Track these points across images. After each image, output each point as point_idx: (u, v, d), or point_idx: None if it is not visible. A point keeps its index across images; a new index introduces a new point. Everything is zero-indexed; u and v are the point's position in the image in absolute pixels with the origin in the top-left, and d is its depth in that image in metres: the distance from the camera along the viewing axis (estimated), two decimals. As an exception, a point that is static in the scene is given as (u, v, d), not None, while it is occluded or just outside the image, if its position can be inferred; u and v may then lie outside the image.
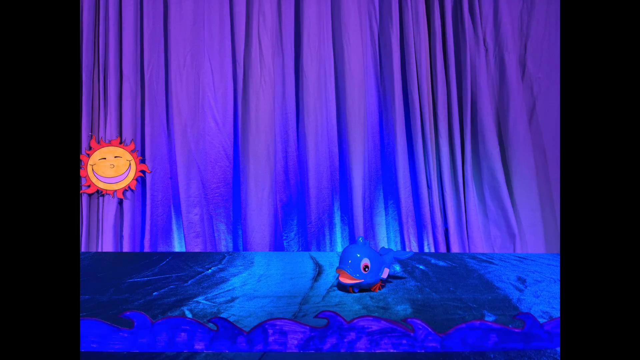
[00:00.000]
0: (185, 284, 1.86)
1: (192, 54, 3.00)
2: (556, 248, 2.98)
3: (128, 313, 1.19)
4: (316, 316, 1.17)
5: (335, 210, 3.04)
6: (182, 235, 2.97)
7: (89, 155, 2.90)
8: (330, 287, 1.82)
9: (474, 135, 3.05)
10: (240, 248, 3.00)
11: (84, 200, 2.91)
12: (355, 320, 1.15)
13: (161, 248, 2.97)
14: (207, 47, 3.01)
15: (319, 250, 2.98)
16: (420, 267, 2.19)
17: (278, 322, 1.16)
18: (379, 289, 1.73)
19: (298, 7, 3.07)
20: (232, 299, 1.64)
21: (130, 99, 2.96)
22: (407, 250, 2.97)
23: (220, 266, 2.24)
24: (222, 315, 1.44)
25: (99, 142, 2.92)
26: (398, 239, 3.03)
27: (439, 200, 3.03)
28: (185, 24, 3.00)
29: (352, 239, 2.98)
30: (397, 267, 2.18)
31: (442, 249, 2.94)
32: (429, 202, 3.01)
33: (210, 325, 1.17)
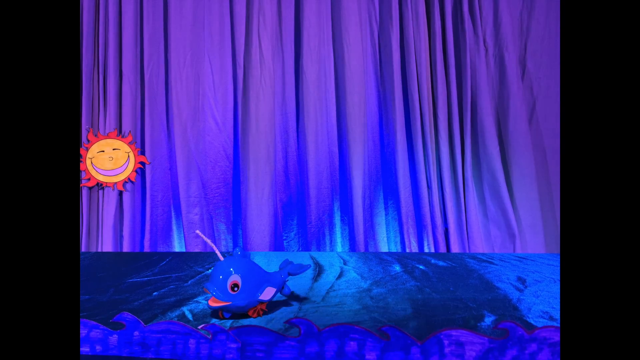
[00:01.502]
0: (185, 284, 1.86)
1: (192, 54, 3.00)
2: (556, 248, 2.98)
3: (294, 320, 1.11)
4: (495, 327, 1.11)
5: (335, 210, 3.04)
6: (182, 235, 2.97)
7: (87, 149, 2.90)
8: (330, 287, 1.82)
9: (474, 135, 3.05)
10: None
11: (84, 200, 2.92)
12: (537, 331, 1.08)
13: (161, 248, 2.97)
14: (207, 47, 3.01)
15: (319, 250, 2.98)
16: (420, 267, 2.19)
17: (454, 333, 1.09)
18: (259, 314, 1.41)
19: (298, 7, 3.07)
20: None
21: (130, 99, 2.96)
22: (408, 250, 2.97)
23: (220, 266, 2.23)
24: (222, 316, 1.44)
25: (96, 135, 2.92)
26: (398, 239, 3.03)
27: (439, 200, 3.03)
28: (185, 24, 3.00)
29: (352, 239, 2.98)
30: (397, 267, 2.18)
31: (442, 249, 2.94)
32: (429, 202, 3.01)
33: (381, 334, 1.10)
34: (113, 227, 2.91)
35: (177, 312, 1.48)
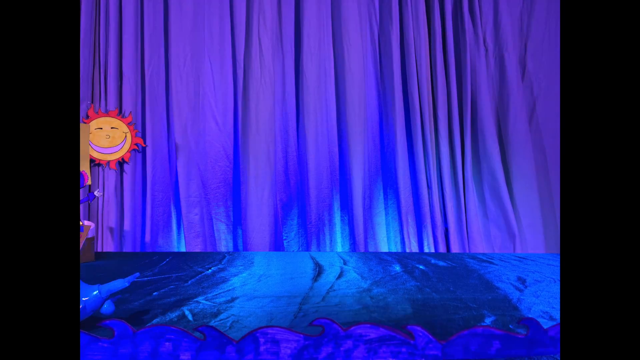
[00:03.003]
0: (185, 284, 1.86)
1: (192, 54, 3.00)
2: (556, 248, 2.98)
3: (108, 322, 1.11)
4: (310, 324, 1.10)
5: (336, 210, 3.04)
6: (182, 235, 2.97)
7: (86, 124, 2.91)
8: (330, 287, 1.82)
9: (474, 135, 3.05)
10: (240, 248, 3.00)
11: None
12: (352, 328, 1.09)
13: (161, 248, 2.97)
14: (207, 47, 3.01)
15: (319, 250, 2.98)
16: (420, 267, 2.19)
17: (270, 331, 1.08)
18: None
19: (298, 7, 3.07)
20: (232, 299, 1.64)
21: (130, 98, 2.96)
22: (408, 250, 2.97)
23: (220, 266, 2.24)
24: (222, 316, 1.44)
25: (96, 112, 2.92)
26: (398, 239, 3.03)
27: (439, 200, 3.03)
28: (186, 24, 3.00)
29: (353, 238, 2.98)
30: (397, 267, 2.18)
31: (442, 249, 2.94)
32: (429, 202, 3.01)
33: (197, 334, 1.10)
34: (113, 227, 2.91)
35: (176, 312, 1.48)
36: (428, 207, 2.99)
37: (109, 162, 2.90)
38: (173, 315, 1.46)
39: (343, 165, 3.07)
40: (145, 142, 2.96)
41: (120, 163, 2.93)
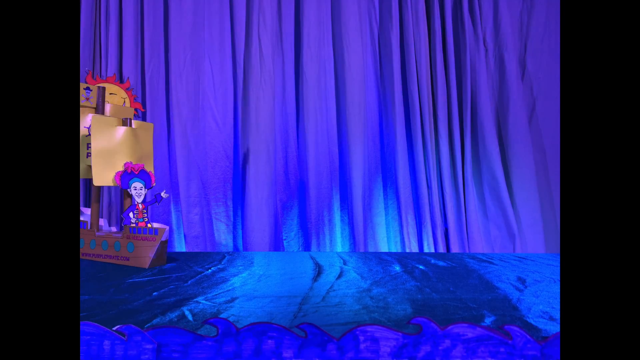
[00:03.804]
0: (185, 284, 1.86)
1: (192, 54, 3.01)
2: (556, 248, 2.98)
3: (212, 319, 1.13)
4: (408, 322, 1.12)
5: (335, 210, 3.04)
6: (182, 235, 2.97)
7: None
8: (330, 287, 1.82)
9: (474, 135, 3.05)
10: (240, 248, 3.00)
11: (83, 199, 2.91)
12: (450, 327, 1.10)
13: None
14: (207, 47, 3.01)
15: (319, 250, 2.98)
16: (420, 267, 2.19)
17: (369, 329, 1.10)
18: None
19: (298, 7, 3.07)
20: (232, 299, 1.64)
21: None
22: (408, 250, 2.97)
23: (220, 266, 2.24)
24: (221, 316, 1.44)
25: (94, 79, 2.92)
26: (398, 239, 3.03)
27: (439, 200, 3.03)
28: (185, 24, 3.00)
29: (353, 238, 2.98)
30: (397, 267, 2.18)
31: (442, 249, 2.95)
32: (429, 202, 3.01)
33: (298, 331, 1.12)
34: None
35: (176, 313, 1.48)
36: (428, 207, 2.99)
37: None
38: (173, 315, 1.46)
39: (343, 165, 3.07)
40: (144, 107, 2.96)
41: None
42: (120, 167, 2.33)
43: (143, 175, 2.35)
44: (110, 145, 2.34)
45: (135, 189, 2.31)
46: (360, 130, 3.01)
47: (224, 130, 3.02)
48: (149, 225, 2.26)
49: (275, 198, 3.00)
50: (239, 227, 3.02)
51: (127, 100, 2.84)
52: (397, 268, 2.16)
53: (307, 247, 3.01)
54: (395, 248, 3.03)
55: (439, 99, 3.01)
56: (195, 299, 1.64)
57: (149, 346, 1.11)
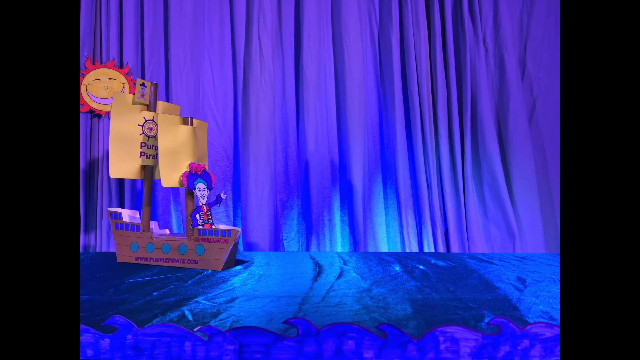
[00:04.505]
0: (185, 284, 1.86)
1: (192, 54, 3.01)
2: (556, 248, 2.98)
3: (292, 320, 1.13)
4: (488, 323, 1.13)
5: (335, 210, 3.04)
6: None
7: (83, 76, 2.91)
8: (330, 287, 1.82)
9: (474, 135, 3.05)
10: (240, 248, 3.00)
11: (82, 200, 2.91)
12: (528, 327, 1.11)
13: (161, 248, 2.97)
14: (207, 47, 3.01)
15: (319, 250, 2.98)
16: (420, 267, 2.19)
17: (449, 329, 1.11)
18: None
19: (298, 7, 3.07)
20: (232, 299, 1.64)
21: (130, 99, 2.97)
22: (408, 250, 2.97)
23: (220, 266, 2.24)
24: (221, 316, 1.44)
25: (94, 64, 2.93)
26: (398, 239, 3.03)
27: (439, 200, 3.03)
28: (185, 24, 3.00)
29: (353, 238, 2.98)
30: (397, 267, 2.18)
31: (442, 249, 2.95)
32: (429, 202, 3.01)
33: (378, 332, 1.12)
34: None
35: (176, 313, 1.48)
36: (428, 207, 2.99)
37: (108, 112, 2.91)
38: (173, 315, 1.46)
39: (343, 165, 3.07)
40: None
41: None
42: (183, 168, 2.24)
43: (205, 175, 2.27)
44: (175, 145, 2.23)
45: (200, 190, 2.23)
46: (360, 130, 3.01)
47: (224, 130, 3.02)
48: (213, 227, 2.17)
49: (275, 198, 3.00)
50: (239, 227, 3.02)
51: (127, 85, 2.84)
52: (397, 268, 2.16)
53: (307, 247, 3.01)
54: (395, 248, 3.03)
55: (439, 99, 3.01)
56: (195, 299, 1.64)
57: (230, 347, 1.11)
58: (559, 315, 1.44)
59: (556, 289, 1.78)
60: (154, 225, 2.42)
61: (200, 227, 2.17)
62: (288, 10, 3.05)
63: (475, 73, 3.01)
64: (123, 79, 2.91)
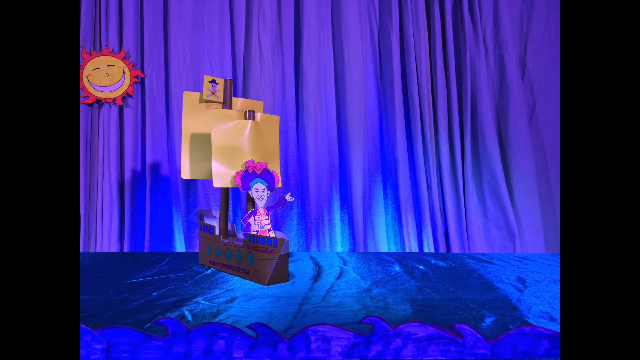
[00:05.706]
0: (185, 284, 1.86)
1: (192, 54, 3.01)
2: (556, 248, 2.97)
3: (161, 320, 1.12)
4: (360, 322, 1.12)
5: (335, 210, 3.04)
6: (182, 235, 2.97)
7: (82, 67, 2.91)
8: (330, 287, 1.81)
9: (474, 135, 3.05)
10: (240, 248, 3.00)
11: (83, 200, 2.91)
12: (401, 326, 1.11)
13: (161, 248, 2.97)
14: (207, 47, 3.01)
15: (319, 250, 2.98)
16: (420, 267, 2.19)
17: (321, 328, 1.10)
18: None
19: (298, 7, 3.07)
20: (232, 299, 1.64)
21: (130, 99, 2.96)
22: (408, 250, 2.97)
23: (220, 266, 2.23)
24: (221, 316, 1.44)
25: (89, 53, 2.93)
26: (398, 239, 3.03)
27: (439, 200, 3.03)
28: (185, 24, 3.00)
29: (353, 238, 2.98)
30: (397, 267, 2.18)
31: (442, 249, 2.94)
32: (429, 202, 3.01)
33: (249, 331, 1.11)
34: (114, 228, 2.91)
35: (176, 313, 1.48)
36: (428, 207, 2.99)
37: (114, 99, 2.92)
38: (172, 315, 1.45)
39: (343, 165, 3.07)
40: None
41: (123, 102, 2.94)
42: (240, 167, 2.05)
43: (266, 175, 2.05)
44: (230, 141, 2.04)
45: (257, 191, 2.03)
46: (360, 129, 3.01)
47: (224, 130, 3.02)
48: (271, 233, 1.99)
49: (275, 198, 3.00)
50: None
51: (126, 70, 2.84)
52: (397, 268, 2.16)
53: (307, 247, 3.01)
54: (395, 248, 3.03)
55: (439, 99, 3.01)
56: (195, 299, 1.64)
57: (98, 346, 1.11)
58: (559, 315, 1.44)
59: (556, 289, 1.78)
60: (231, 227, 2.26)
61: (255, 233, 1.97)
62: (288, 11, 3.05)
63: (475, 73, 3.01)
64: (121, 64, 2.91)
